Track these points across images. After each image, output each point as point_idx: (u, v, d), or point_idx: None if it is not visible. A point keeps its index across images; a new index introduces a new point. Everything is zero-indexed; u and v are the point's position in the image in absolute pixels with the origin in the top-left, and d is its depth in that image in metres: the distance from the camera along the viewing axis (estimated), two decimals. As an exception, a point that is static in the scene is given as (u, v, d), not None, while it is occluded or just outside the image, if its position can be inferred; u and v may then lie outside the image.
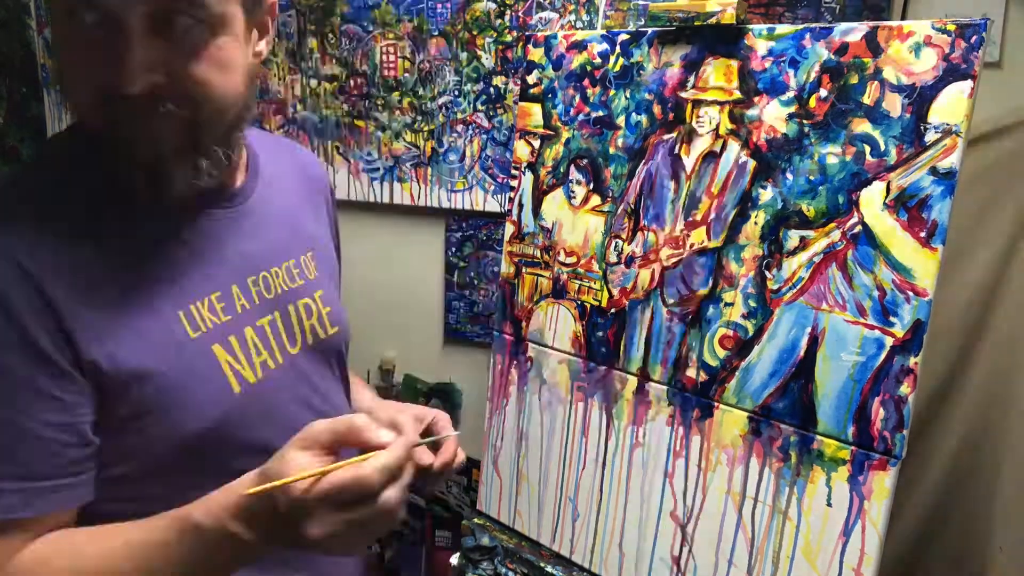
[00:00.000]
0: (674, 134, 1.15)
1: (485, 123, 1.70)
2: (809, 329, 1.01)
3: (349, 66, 1.80)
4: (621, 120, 1.21)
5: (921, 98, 0.93)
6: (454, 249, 1.80)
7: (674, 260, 1.15)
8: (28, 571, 0.62)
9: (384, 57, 1.76)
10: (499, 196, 1.71)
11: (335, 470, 0.57)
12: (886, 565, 0.98)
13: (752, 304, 1.07)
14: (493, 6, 1.63)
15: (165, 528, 0.61)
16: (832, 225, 0.99)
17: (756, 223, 1.06)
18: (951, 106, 0.91)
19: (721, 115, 1.10)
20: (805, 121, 1.02)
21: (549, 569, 1.29)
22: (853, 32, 0.98)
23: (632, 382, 1.20)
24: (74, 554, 0.63)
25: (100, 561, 0.62)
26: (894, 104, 0.95)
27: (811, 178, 1.01)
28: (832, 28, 1.00)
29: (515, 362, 1.37)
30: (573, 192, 1.28)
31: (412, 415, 0.89)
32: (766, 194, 1.05)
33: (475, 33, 1.66)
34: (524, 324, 1.36)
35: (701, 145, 1.12)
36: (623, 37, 1.21)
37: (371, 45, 1.77)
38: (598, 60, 1.24)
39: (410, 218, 1.84)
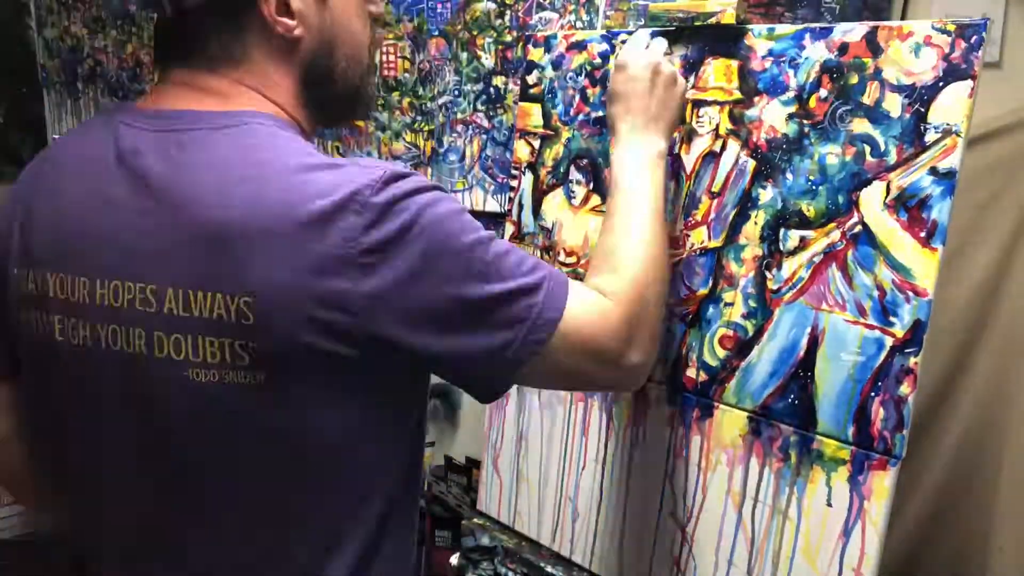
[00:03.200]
0: (674, 134, 1.15)
1: (485, 123, 1.70)
2: (809, 329, 1.01)
3: (349, 66, 1.80)
4: (621, 120, 1.21)
5: (921, 98, 0.93)
6: (454, 249, 1.80)
7: (674, 260, 1.15)
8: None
9: (384, 57, 1.76)
10: (499, 196, 1.71)
11: None
12: (886, 565, 0.98)
13: (752, 304, 1.07)
14: (493, 6, 1.63)
15: (631, 179, 0.92)
16: (832, 225, 0.99)
17: (756, 223, 1.06)
18: (951, 106, 0.91)
19: (721, 115, 1.10)
20: (805, 121, 1.02)
21: (549, 569, 1.29)
22: (853, 32, 0.98)
23: (632, 382, 1.20)
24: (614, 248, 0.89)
25: (630, 238, 0.89)
26: (894, 104, 0.95)
27: (811, 178, 1.01)
28: (832, 28, 1.00)
29: (515, 362, 1.37)
30: (573, 192, 1.28)
31: None
32: (766, 194, 1.05)
33: (475, 33, 1.66)
34: (524, 324, 1.35)
35: (701, 145, 1.12)
36: (623, 37, 1.21)
37: (371, 45, 1.77)
38: (598, 60, 1.24)
39: (410, 218, 1.84)
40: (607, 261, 0.85)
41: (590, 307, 0.76)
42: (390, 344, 0.65)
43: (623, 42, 1.21)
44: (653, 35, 1.16)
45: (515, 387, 1.36)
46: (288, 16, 0.73)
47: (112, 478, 0.73)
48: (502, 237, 1.41)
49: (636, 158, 0.95)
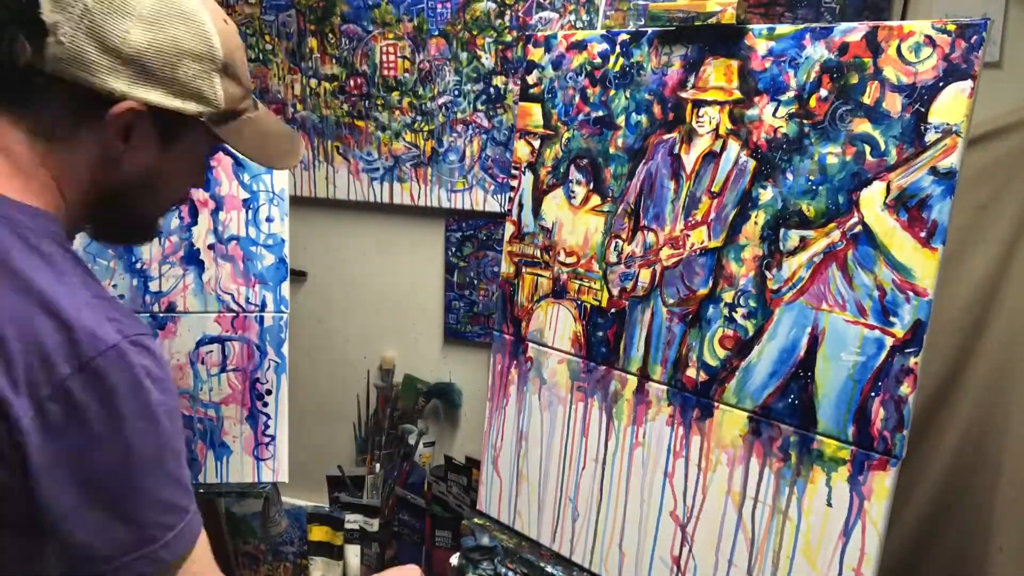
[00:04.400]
0: (674, 134, 1.15)
1: (485, 123, 1.70)
2: (809, 329, 1.01)
3: (349, 66, 1.80)
4: (621, 120, 1.21)
5: (921, 98, 0.93)
6: (454, 249, 1.80)
7: (674, 260, 1.15)
8: None
9: (384, 57, 1.76)
10: (499, 196, 1.71)
11: None
12: (886, 565, 0.98)
13: (752, 304, 1.07)
14: (493, 6, 1.63)
15: None
16: (832, 225, 0.99)
17: (756, 223, 1.06)
18: (951, 106, 0.91)
19: (721, 115, 1.10)
20: (805, 121, 1.02)
21: (549, 569, 1.29)
22: (853, 32, 0.98)
23: (632, 382, 1.20)
24: None
25: None
26: (894, 104, 0.95)
27: (811, 178, 1.01)
28: (832, 28, 1.00)
29: (515, 362, 1.37)
30: (573, 192, 1.28)
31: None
32: (766, 194, 1.05)
33: (475, 33, 1.66)
34: (524, 324, 1.36)
35: (701, 145, 1.12)
36: (623, 37, 1.21)
37: (371, 45, 1.77)
38: (598, 60, 1.24)
39: (410, 218, 1.84)
40: None
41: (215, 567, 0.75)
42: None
43: (623, 43, 1.21)
44: (652, 36, 1.16)
45: (515, 387, 1.37)
46: (123, 136, 0.69)
47: None
48: (502, 237, 1.41)
49: None
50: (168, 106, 0.69)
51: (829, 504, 1.00)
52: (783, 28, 1.04)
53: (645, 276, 1.18)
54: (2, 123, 0.68)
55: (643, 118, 1.18)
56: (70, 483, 0.62)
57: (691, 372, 1.13)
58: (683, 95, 1.14)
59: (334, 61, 1.81)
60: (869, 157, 0.97)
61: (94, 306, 0.64)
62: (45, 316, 0.61)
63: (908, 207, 0.93)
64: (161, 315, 1.44)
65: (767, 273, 1.05)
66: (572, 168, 1.28)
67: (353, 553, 1.90)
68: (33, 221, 0.66)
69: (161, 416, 0.66)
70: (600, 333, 1.24)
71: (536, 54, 1.33)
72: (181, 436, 0.69)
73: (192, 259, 1.45)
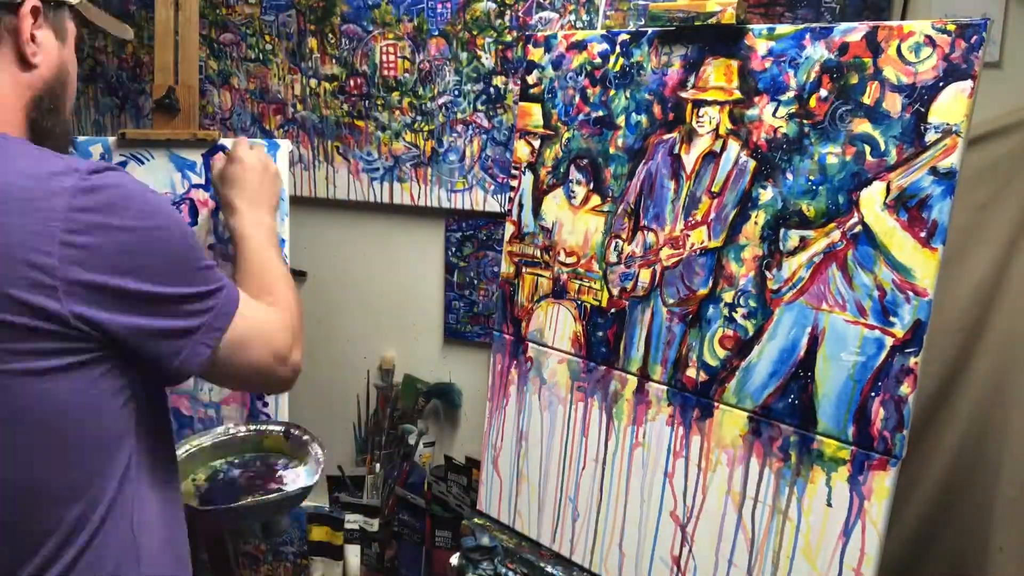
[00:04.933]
0: (674, 134, 1.15)
1: (485, 123, 1.70)
2: (809, 329, 1.01)
3: (349, 66, 1.80)
4: (621, 120, 1.21)
5: (921, 98, 0.93)
6: (454, 249, 1.80)
7: (674, 260, 1.15)
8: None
9: (384, 57, 1.76)
10: (499, 196, 1.71)
11: None
12: (886, 565, 0.98)
13: (752, 304, 1.07)
14: (493, 6, 1.63)
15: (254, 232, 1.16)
16: (832, 225, 0.99)
17: (756, 223, 1.06)
18: (951, 106, 0.91)
19: (721, 115, 1.10)
20: (805, 121, 1.02)
21: (549, 569, 1.29)
22: (853, 32, 0.98)
23: (632, 382, 1.20)
24: (269, 276, 1.06)
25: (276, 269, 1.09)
26: (894, 104, 0.95)
27: (811, 178, 1.01)
28: (832, 28, 1.00)
29: (515, 362, 1.37)
30: (573, 192, 1.28)
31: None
32: (766, 194, 1.05)
33: (475, 33, 1.66)
34: (524, 324, 1.36)
35: (701, 145, 1.12)
36: (623, 37, 1.21)
37: (371, 45, 1.77)
38: (598, 60, 1.24)
39: (410, 218, 1.84)
40: (259, 286, 1.01)
41: (264, 311, 0.90)
42: (92, 322, 0.70)
43: (623, 43, 1.21)
44: (653, 36, 1.16)
45: (515, 387, 1.37)
46: (33, 42, 0.79)
47: None
48: (502, 237, 1.41)
49: (256, 223, 1.18)
50: None
51: (829, 504, 1.00)
52: (783, 28, 1.04)
53: (645, 276, 1.18)
54: None
55: (643, 118, 1.18)
56: (119, 289, 0.70)
57: (691, 372, 1.13)
58: (683, 95, 1.14)
59: (334, 61, 1.81)
60: (869, 157, 0.97)
61: (36, 156, 0.72)
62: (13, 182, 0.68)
63: (908, 207, 0.93)
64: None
65: (767, 273, 1.05)
66: (572, 168, 1.28)
67: (353, 553, 1.90)
68: None
69: (164, 204, 0.78)
70: (600, 333, 1.24)
71: (536, 54, 1.33)
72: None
73: (192, 259, 1.45)
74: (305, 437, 1.36)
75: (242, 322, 0.82)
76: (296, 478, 1.29)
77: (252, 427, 1.41)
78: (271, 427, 1.41)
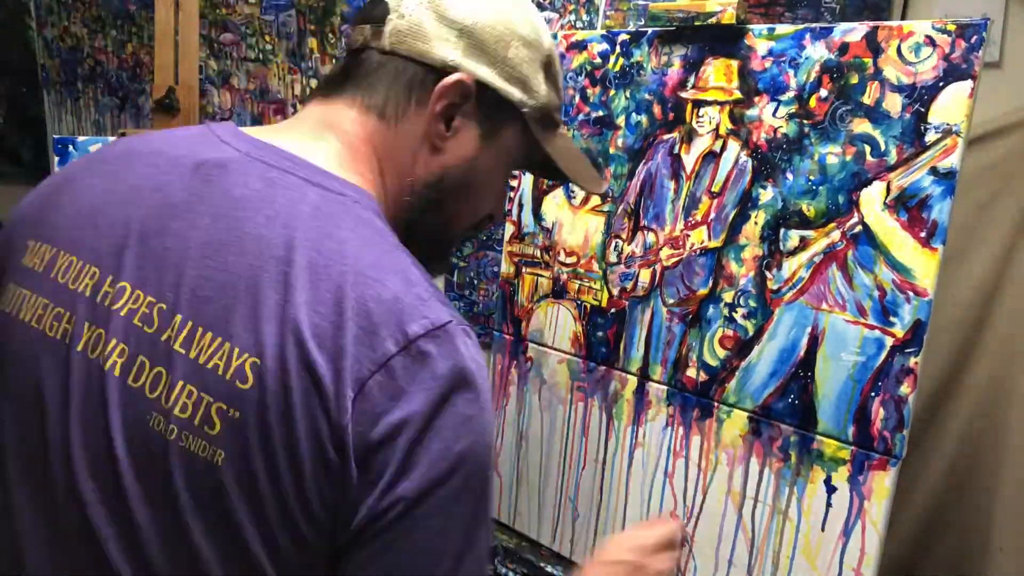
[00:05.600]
0: (674, 134, 1.15)
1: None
2: (809, 329, 1.01)
3: (349, 66, 1.80)
4: (621, 120, 1.21)
5: (921, 98, 0.93)
6: (454, 249, 1.80)
7: (674, 260, 1.15)
8: None
9: (384, 57, 1.77)
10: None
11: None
12: (886, 565, 0.98)
13: (752, 304, 1.07)
14: (493, 6, 1.63)
15: None
16: (832, 225, 0.99)
17: (756, 223, 1.06)
18: (951, 106, 0.91)
19: (721, 115, 1.10)
20: (805, 121, 1.02)
21: (549, 569, 1.29)
22: (853, 32, 0.98)
23: (632, 382, 1.20)
24: None
25: None
26: (894, 104, 0.95)
27: (811, 178, 1.01)
28: (832, 28, 1.00)
29: (515, 362, 1.37)
30: (573, 192, 1.28)
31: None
32: (766, 194, 1.05)
33: (475, 33, 1.67)
34: (524, 324, 1.36)
35: (701, 145, 1.12)
36: (623, 37, 1.21)
37: (371, 45, 1.77)
38: (598, 60, 1.24)
39: (410, 218, 1.84)
40: None
41: None
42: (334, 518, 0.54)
43: (623, 43, 1.21)
44: (653, 36, 1.16)
45: (515, 387, 1.37)
46: (445, 124, 0.67)
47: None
48: (502, 237, 1.41)
49: None
50: (496, 85, 0.68)
51: (829, 504, 1.00)
52: (783, 28, 1.04)
53: (645, 276, 1.18)
54: (340, 106, 0.67)
55: (643, 118, 1.18)
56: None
57: (691, 372, 1.13)
58: (683, 95, 1.14)
59: (334, 61, 1.81)
60: (869, 157, 0.97)
61: (427, 286, 0.58)
62: (371, 285, 0.54)
63: (908, 207, 0.94)
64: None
65: (767, 273, 1.05)
66: (572, 168, 1.28)
67: (353, 553, 1.90)
68: (358, 194, 0.62)
69: (488, 427, 0.57)
70: (600, 333, 1.24)
71: (536, 54, 1.33)
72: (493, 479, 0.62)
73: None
74: None
75: None
76: None
77: None
78: None
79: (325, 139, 0.65)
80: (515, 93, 0.70)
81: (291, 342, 0.52)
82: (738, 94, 1.08)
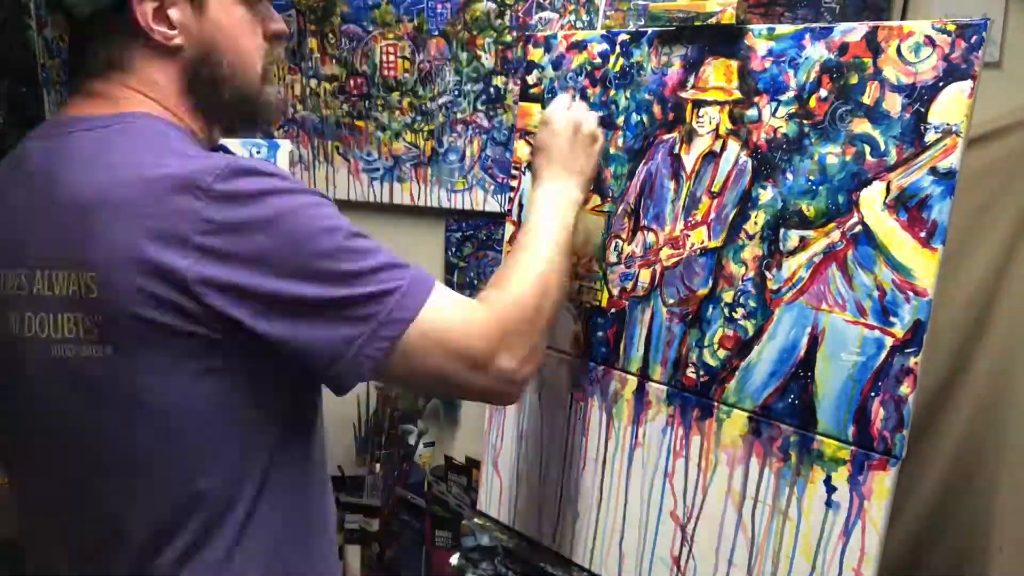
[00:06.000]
0: (674, 134, 1.15)
1: (485, 123, 1.70)
2: (809, 329, 1.01)
3: (349, 66, 1.80)
4: (621, 120, 1.21)
5: (921, 98, 0.93)
6: (454, 249, 1.80)
7: (674, 260, 1.15)
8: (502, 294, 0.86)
9: (384, 57, 1.76)
10: (499, 196, 1.71)
11: None
12: (886, 565, 0.98)
13: (752, 304, 1.07)
14: (493, 6, 1.63)
15: (541, 207, 1.01)
16: (832, 225, 0.99)
17: (756, 223, 1.06)
18: (951, 106, 0.91)
19: (721, 115, 1.10)
20: (805, 121, 1.02)
21: (549, 569, 1.29)
22: (853, 32, 0.98)
23: (632, 382, 1.20)
24: (511, 259, 0.93)
25: (529, 254, 0.94)
26: (894, 104, 0.95)
27: (811, 178, 1.01)
28: (832, 28, 1.00)
29: (515, 362, 1.37)
30: (573, 192, 1.28)
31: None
32: (766, 194, 1.05)
33: (475, 33, 1.66)
34: (524, 324, 1.35)
35: (701, 145, 1.12)
36: (623, 37, 1.21)
37: (371, 45, 1.77)
38: (598, 60, 1.24)
39: (410, 218, 1.84)
40: (497, 281, 0.90)
41: (456, 309, 0.79)
42: (234, 324, 0.68)
43: (623, 43, 1.21)
44: (653, 36, 1.16)
45: (515, 387, 1.36)
46: (167, 25, 0.77)
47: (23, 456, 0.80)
48: (502, 237, 1.41)
49: (552, 202, 1.03)
50: None
51: (829, 504, 1.00)
52: (783, 28, 1.04)
53: (645, 276, 1.18)
54: (88, 79, 0.78)
55: (643, 118, 1.18)
56: (261, 311, 0.68)
57: (691, 372, 1.13)
58: (683, 95, 1.14)
59: (334, 61, 1.81)
60: (869, 157, 0.97)
61: (182, 155, 0.71)
62: (147, 174, 0.68)
63: (908, 207, 0.94)
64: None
65: (767, 273, 1.05)
66: (572, 168, 1.28)
67: (353, 553, 1.90)
68: (154, 120, 0.77)
69: (308, 194, 0.72)
70: (600, 333, 1.24)
71: (536, 54, 1.33)
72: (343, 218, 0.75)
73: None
74: None
75: (423, 325, 0.74)
76: None
77: None
78: None
79: (95, 107, 0.77)
80: None
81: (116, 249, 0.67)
82: (738, 94, 1.08)
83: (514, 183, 1.37)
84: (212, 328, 0.68)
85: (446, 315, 0.77)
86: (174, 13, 0.76)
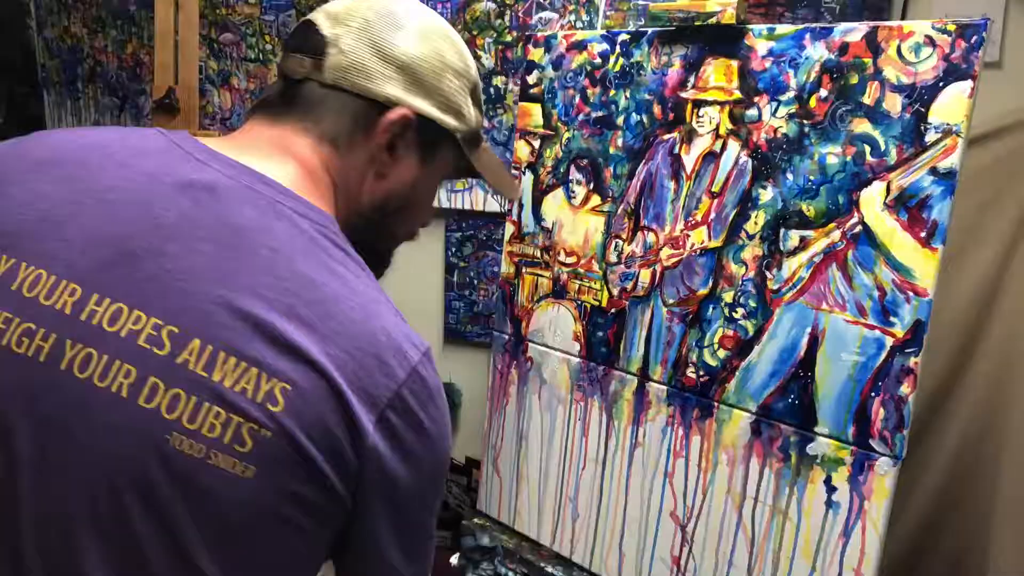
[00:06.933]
0: (674, 134, 1.15)
1: (485, 123, 1.70)
2: (809, 329, 1.01)
3: (349, 66, 1.80)
4: (621, 120, 1.21)
5: (921, 98, 0.93)
6: (454, 249, 1.80)
7: (674, 260, 1.15)
8: None
9: (384, 57, 1.76)
10: (499, 196, 1.71)
11: None
12: (886, 565, 0.98)
13: (752, 304, 1.07)
14: (493, 6, 1.63)
15: None
16: (832, 225, 0.99)
17: (756, 223, 1.06)
18: (951, 106, 0.91)
19: (721, 115, 1.10)
20: (805, 121, 1.02)
21: (549, 569, 1.29)
22: (853, 32, 0.98)
23: (632, 382, 1.20)
24: None
25: None
26: (894, 104, 0.95)
27: (811, 178, 1.01)
28: (832, 28, 1.00)
29: (515, 362, 1.37)
30: (573, 192, 1.28)
31: None
32: (766, 194, 1.05)
33: (475, 33, 1.66)
34: (524, 324, 1.36)
35: (701, 145, 1.12)
36: (623, 37, 1.21)
37: (371, 45, 1.77)
38: (598, 60, 1.24)
39: (410, 218, 1.84)
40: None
41: None
42: (356, 508, 0.61)
43: (623, 43, 1.21)
44: (653, 36, 1.16)
45: (515, 387, 1.37)
46: (389, 152, 0.72)
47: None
48: (502, 237, 1.41)
49: None
50: (434, 116, 0.73)
51: (829, 504, 1.00)
52: (783, 28, 1.04)
53: (645, 276, 1.18)
54: (290, 132, 0.70)
55: (643, 118, 1.18)
56: (396, 497, 0.62)
57: (691, 372, 1.13)
58: (683, 95, 1.14)
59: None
60: (869, 157, 0.97)
61: (395, 312, 0.66)
62: (373, 319, 0.61)
63: (908, 207, 0.94)
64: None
65: (767, 273, 1.05)
66: (572, 168, 1.28)
67: (353, 553, 1.90)
68: (334, 224, 0.67)
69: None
70: (600, 333, 1.24)
71: (536, 54, 1.33)
72: None
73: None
74: None
75: None
76: None
77: None
78: None
79: (288, 165, 0.68)
80: (450, 121, 0.75)
81: (315, 371, 0.57)
82: (738, 94, 1.08)
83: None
84: (343, 500, 0.61)
85: None
86: (403, 150, 0.73)
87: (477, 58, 1.68)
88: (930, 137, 0.92)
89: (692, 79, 1.13)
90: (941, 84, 0.91)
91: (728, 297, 1.09)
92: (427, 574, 0.69)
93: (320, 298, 0.60)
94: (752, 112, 1.06)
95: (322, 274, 0.61)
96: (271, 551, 0.59)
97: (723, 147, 1.10)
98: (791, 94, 1.03)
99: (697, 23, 1.11)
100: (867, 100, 0.97)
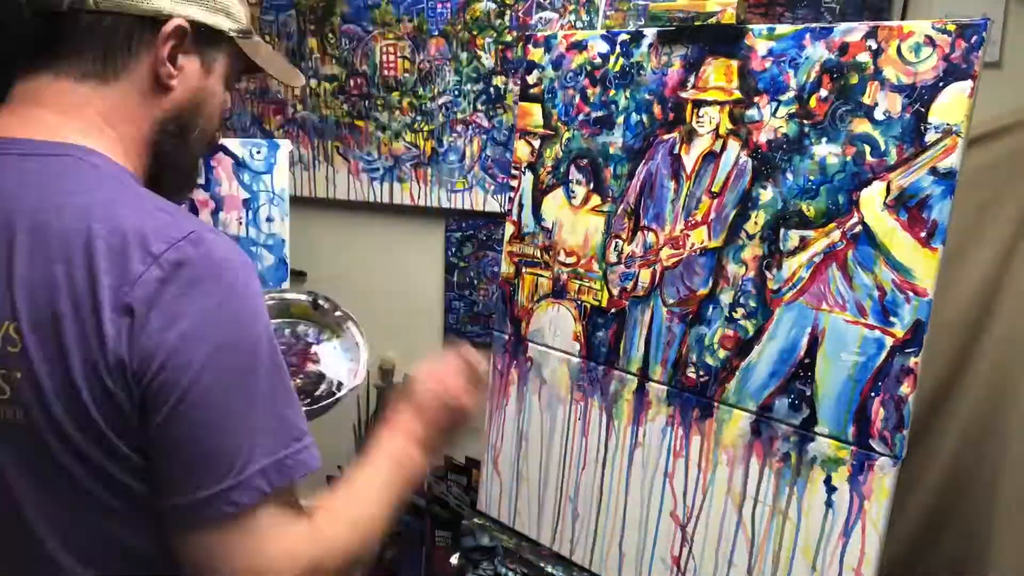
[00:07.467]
0: (674, 134, 1.15)
1: (485, 123, 1.70)
2: (809, 329, 1.01)
3: (349, 66, 1.80)
4: (621, 120, 1.21)
5: (921, 98, 0.93)
6: (454, 249, 1.80)
7: (674, 260, 1.15)
8: (330, 526, 0.72)
9: (384, 57, 1.77)
10: (499, 196, 1.71)
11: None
12: (886, 565, 0.98)
13: (752, 304, 1.07)
14: (493, 6, 1.63)
15: (398, 465, 0.84)
16: (832, 225, 0.99)
17: (756, 223, 1.06)
18: (951, 106, 0.91)
19: (721, 115, 1.10)
20: (805, 121, 1.02)
21: (549, 569, 1.29)
22: (853, 32, 0.98)
23: (632, 382, 1.20)
24: (352, 502, 0.78)
25: (369, 506, 0.78)
26: (894, 104, 0.95)
27: (811, 178, 1.01)
28: (832, 28, 1.00)
29: (515, 362, 1.37)
30: (573, 192, 1.28)
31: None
32: (766, 194, 1.05)
33: (475, 33, 1.66)
34: (524, 324, 1.36)
35: (701, 145, 1.12)
36: (623, 37, 1.21)
37: (371, 45, 1.77)
38: (598, 60, 1.24)
39: (410, 218, 1.84)
40: (335, 516, 0.75)
41: (295, 526, 0.68)
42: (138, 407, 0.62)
43: (623, 43, 1.21)
44: (653, 36, 1.16)
45: (515, 387, 1.36)
46: (172, 65, 0.73)
47: None
48: (502, 237, 1.41)
49: (408, 462, 0.87)
50: (206, 22, 0.75)
51: (829, 504, 1.00)
52: (783, 28, 1.04)
53: (645, 276, 1.18)
54: (45, 79, 0.70)
55: (643, 118, 1.18)
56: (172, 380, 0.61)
57: (691, 372, 1.13)
58: (683, 95, 1.14)
59: (334, 61, 1.81)
60: (869, 157, 0.97)
61: (161, 210, 0.66)
62: (107, 220, 0.62)
63: (908, 207, 0.94)
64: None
65: (767, 273, 1.05)
66: (572, 168, 1.28)
67: (353, 553, 1.90)
68: (79, 152, 0.68)
69: (259, 303, 0.67)
70: (600, 333, 1.24)
71: (536, 54, 1.33)
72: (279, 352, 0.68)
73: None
74: (337, 313, 1.27)
75: (262, 518, 0.64)
76: (333, 358, 1.22)
77: (275, 293, 1.29)
78: (298, 296, 1.29)
79: (40, 117, 0.69)
80: (223, 23, 0.78)
81: (41, 299, 0.60)
82: (738, 94, 1.08)
83: (514, 183, 1.37)
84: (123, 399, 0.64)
85: (285, 521, 0.67)
86: (183, 59, 0.74)
87: (477, 58, 1.68)
88: (930, 137, 0.92)
89: (692, 79, 1.13)
90: (941, 84, 0.91)
91: (728, 297, 1.09)
92: None
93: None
94: (752, 112, 1.06)
95: (42, 202, 0.64)
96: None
97: (723, 147, 1.10)
98: (791, 94, 1.03)
99: (697, 23, 1.11)
100: (867, 100, 0.97)
